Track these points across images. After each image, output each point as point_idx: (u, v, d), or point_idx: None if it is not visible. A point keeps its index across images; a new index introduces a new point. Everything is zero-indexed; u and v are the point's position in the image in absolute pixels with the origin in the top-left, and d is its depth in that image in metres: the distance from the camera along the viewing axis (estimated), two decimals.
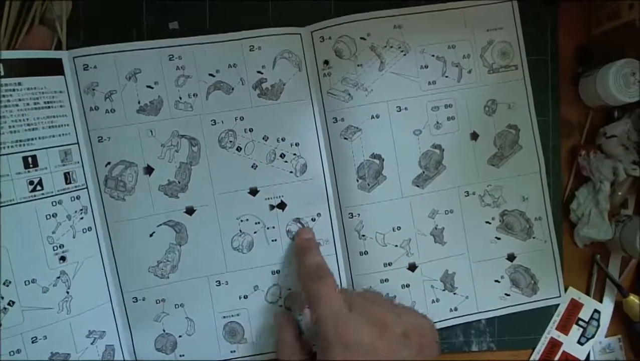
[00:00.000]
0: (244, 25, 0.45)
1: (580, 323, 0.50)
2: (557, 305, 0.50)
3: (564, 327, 0.50)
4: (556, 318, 0.50)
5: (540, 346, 0.50)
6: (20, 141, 0.40)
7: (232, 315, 0.46)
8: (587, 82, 0.49)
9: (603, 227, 0.48)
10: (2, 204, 0.39)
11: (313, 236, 0.46)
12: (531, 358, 0.50)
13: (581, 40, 0.50)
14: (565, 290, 0.50)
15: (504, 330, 0.50)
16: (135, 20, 0.45)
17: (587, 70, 0.49)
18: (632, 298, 0.50)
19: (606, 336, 0.51)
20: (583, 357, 0.50)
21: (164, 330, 0.45)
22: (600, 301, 0.51)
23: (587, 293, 0.51)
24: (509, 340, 0.50)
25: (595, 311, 0.51)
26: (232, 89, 0.45)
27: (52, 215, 0.41)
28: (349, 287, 0.47)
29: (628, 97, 0.46)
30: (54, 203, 0.41)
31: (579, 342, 0.50)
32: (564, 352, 0.50)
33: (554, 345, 0.50)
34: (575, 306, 0.51)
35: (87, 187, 0.43)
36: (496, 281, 0.48)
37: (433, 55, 0.47)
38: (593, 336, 0.51)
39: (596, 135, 0.50)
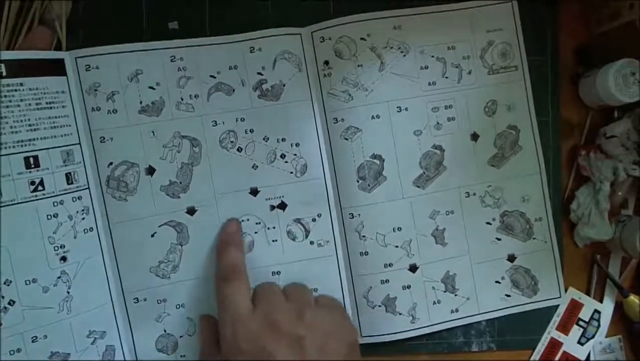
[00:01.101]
0: (243, 25, 0.45)
1: (581, 323, 0.50)
2: (558, 306, 0.50)
3: (564, 327, 0.50)
4: (556, 318, 0.50)
5: (541, 347, 0.50)
6: (22, 141, 0.40)
7: None
8: (587, 82, 0.49)
9: (603, 227, 0.48)
10: (3, 204, 0.39)
11: (239, 230, 0.44)
12: (531, 359, 0.50)
13: (581, 40, 0.50)
14: (566, 290, 0.50)
15: (504, 330, 0.50)
16: (134, 20, 0.45)
17: (587, 70, 0.49)
18: (633, 298, 0.50)
19: (606, 337, 0.51)
20: (583, 357, 0.50)
21: (165, 330, 0.45)
22: (601, 301, 0.51)
23: (587, 294, 0.51)
24: (509, 340, 0.50)
25: (596, 311, 0.51)
26: (233, 90, 0.45)
27: (53, 216, 0.41)
28: (349, 287, 0.47)
29: (628, 97, 0.46)
30: (55, 204, 0.41)
31: (579, 342, 0.50)
32: (564, 352, 0.50)
33: (554, 345, 0.50)
34: (575, 306, 0.51)
35: (88, 188, 0.43)
36: (497, 282, 0.48)
37: (433, 56, 0.47)
38: (593, 337, 0.51)
39: (596, 135, 0.50)
